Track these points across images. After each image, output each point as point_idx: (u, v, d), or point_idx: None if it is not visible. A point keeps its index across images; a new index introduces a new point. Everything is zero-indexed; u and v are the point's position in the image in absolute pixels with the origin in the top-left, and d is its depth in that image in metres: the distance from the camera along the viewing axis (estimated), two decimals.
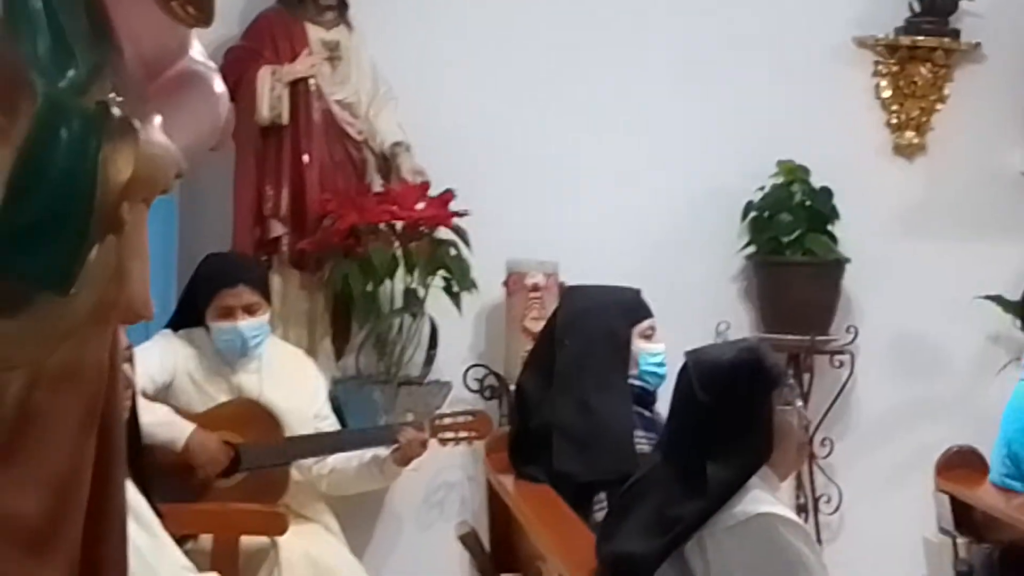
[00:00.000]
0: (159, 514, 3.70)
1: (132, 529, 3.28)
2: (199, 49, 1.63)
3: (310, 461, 5.19)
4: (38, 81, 1.33)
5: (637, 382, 4.43)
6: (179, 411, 4.99)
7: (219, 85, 1.63)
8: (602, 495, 4.15)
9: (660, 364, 4.44)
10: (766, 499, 3.33)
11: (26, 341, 1.38)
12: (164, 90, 1.54)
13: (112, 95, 1.38)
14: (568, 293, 4.97)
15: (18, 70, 1.32)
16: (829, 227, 6.08)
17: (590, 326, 4.44)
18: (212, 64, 1.61)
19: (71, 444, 1.44)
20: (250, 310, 5.06)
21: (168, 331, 5.11)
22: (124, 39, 1.42)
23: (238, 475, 5.05)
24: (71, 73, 1.35)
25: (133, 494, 3.39)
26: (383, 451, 5.19)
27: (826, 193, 6.06)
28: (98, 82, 1.38)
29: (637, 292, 4.57)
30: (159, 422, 4.77)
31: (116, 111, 1.38)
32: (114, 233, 1.40)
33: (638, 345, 4.45)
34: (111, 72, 1.38)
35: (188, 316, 5.12)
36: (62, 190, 1.34)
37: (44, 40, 1.33)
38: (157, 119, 1.42)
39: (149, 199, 1.44)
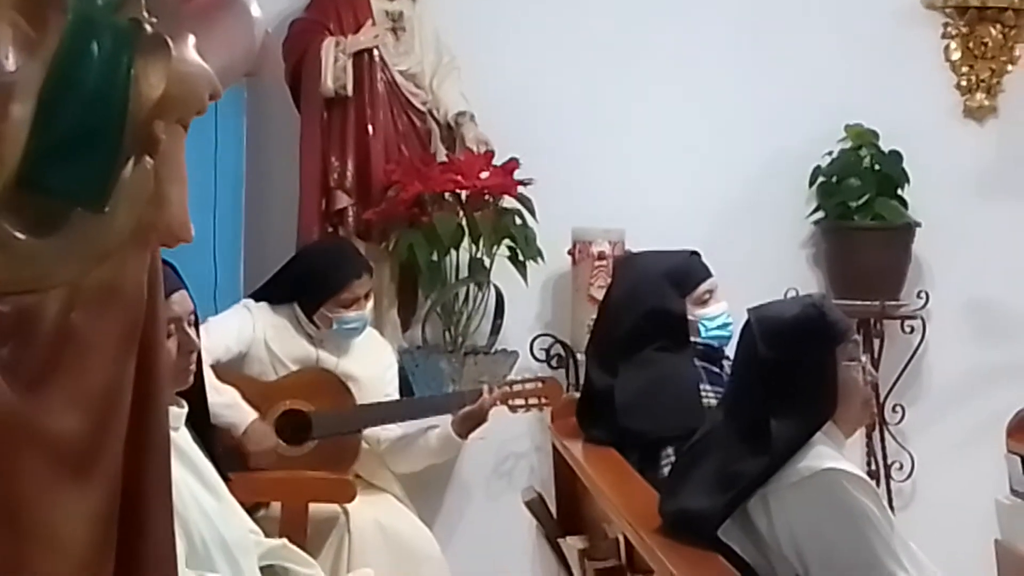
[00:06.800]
0: (226, 480, 3.71)
1: (199, 491, 3.31)
2: None
3: (377, 432, 5.22)
4: None
5: (702, 343, 4.39)
6: (252, 380, 5.03)
7: (255, 9, 1.63)
8: (669, 450, 4.12)
9: (722, 325, 4.40)
10: (831, 455, 3.31)
11: (63, 260, 1.38)
12: (199, 11, 1.53)
13: (145, 14, 1.38)
14: (620, 265, 4.92)
15: None
16: (899, 191, 6.02)
17: (642, 304, 4.37)
18: None
19: (110, 366, 1.44)
20: (368, 297, 5.21)
21: (250, 301, 5.17)
22: None
23: (309, 443, 5.08)
24: None
25: (199, 457, 3.40)
26: (444, 426, 5.23)
27: (896, 157, 6.00)
28: (132, 1, 1.38)
29: (689, 255, 4.50)
30: (225, 403, 4.82)
31: (148, 28, 1.38)
32: (149, 152, 1.40)
33: (696, 313, 4.40)
34: None
35: (291, 294, 5.15)
36: (93, 104, 1.34)
37: None
38: (191, 39, 1.42)
39: (184, 120, 1.44)
